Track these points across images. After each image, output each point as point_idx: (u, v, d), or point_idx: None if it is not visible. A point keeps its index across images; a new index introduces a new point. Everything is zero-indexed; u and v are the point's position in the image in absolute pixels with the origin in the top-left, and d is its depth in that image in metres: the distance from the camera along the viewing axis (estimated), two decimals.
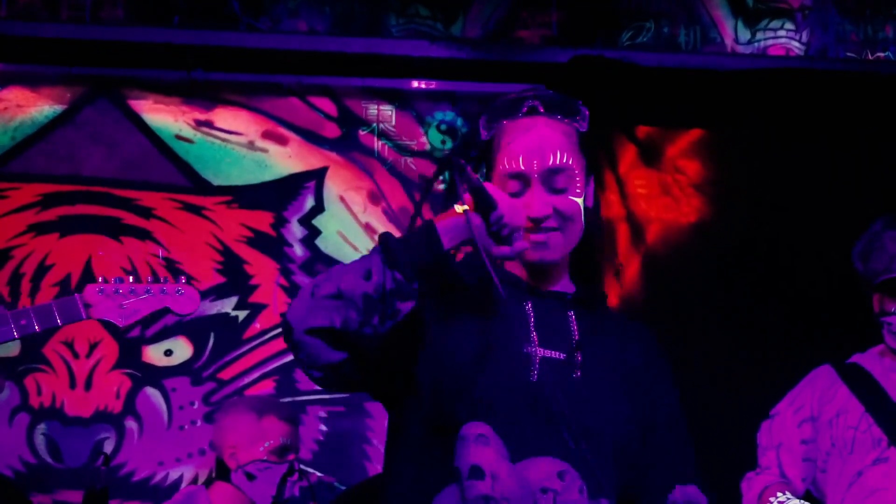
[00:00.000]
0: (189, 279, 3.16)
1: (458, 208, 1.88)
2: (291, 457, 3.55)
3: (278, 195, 4.58)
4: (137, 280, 3.08)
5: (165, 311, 3.11)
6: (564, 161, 2.00)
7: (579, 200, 2.02)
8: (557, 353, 1.99)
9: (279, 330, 4.48)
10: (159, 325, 4.42)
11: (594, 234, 2.13)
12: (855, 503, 3.06)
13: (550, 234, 2.00)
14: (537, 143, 2.00)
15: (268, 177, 4.59)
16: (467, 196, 1.87)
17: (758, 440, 3.26)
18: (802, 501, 3.08)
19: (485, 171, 2.08)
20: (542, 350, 1.97)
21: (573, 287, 2.10)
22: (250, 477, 3.50)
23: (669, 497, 1.99)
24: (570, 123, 2.04)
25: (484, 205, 1.87)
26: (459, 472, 1.88)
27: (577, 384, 1.97)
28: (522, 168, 1.99)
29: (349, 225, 4.59)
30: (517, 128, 2.03)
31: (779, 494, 3.08)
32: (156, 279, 3.11)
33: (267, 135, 4.61)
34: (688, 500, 1.99)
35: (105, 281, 3.03)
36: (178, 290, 3.08)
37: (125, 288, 3.04)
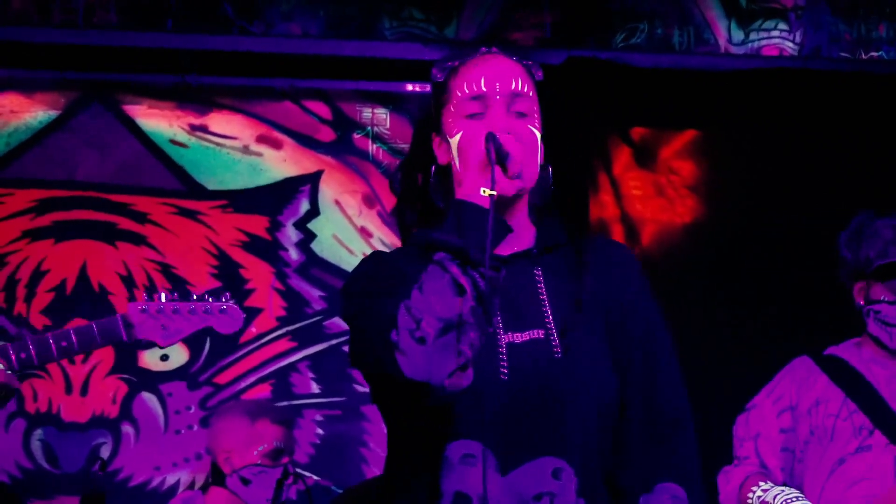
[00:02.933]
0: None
1: (485, 192, 1.80)
2: (286, 460, 3.55)
3: (273, 199, 4.57)
4: (181, 297, 2.95)
5: (209, 330, 2.98)
6: (526, 90, 1.96)
7: (538, 135, 1.96)
8: (531, 333, 1.89)
9: (275, 334, 4.50)
10: None
11: (550, 192, 2.02)
12: (836, 492, 3.04)
13: None
14: (499, 69, 1.96)
15: (262, 181, 4.58)
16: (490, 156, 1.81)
17: (734, 433, 3.22)
18: (785, 488, 3.06)
19: (435, 110, 2.00)
20: (508, 335, 1.88)
21: (533, 240, 1.99)
22: (245, 482, 3.50)
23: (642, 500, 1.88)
24: (526, 67, 2.00)
25: (503, 157, 1.84)
26: (442, 496, 1.81)
27: (559, 365, 1.87)
28: (484, 89, 1.94)
29: (344, 228, 4.59)
30: (476, 59, 1.99)
31: (761, 484, 3.04)
32: (200, 297, 2.98)
33: (261, 139, 4.61)
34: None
35: (149, 299, 2.90)
36: (222, 309, 2.97)
37: (168, 307, 2.91)
